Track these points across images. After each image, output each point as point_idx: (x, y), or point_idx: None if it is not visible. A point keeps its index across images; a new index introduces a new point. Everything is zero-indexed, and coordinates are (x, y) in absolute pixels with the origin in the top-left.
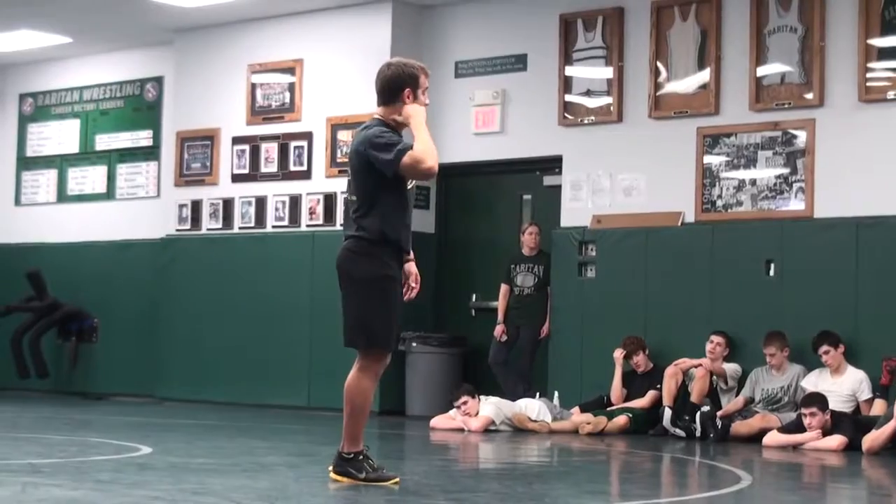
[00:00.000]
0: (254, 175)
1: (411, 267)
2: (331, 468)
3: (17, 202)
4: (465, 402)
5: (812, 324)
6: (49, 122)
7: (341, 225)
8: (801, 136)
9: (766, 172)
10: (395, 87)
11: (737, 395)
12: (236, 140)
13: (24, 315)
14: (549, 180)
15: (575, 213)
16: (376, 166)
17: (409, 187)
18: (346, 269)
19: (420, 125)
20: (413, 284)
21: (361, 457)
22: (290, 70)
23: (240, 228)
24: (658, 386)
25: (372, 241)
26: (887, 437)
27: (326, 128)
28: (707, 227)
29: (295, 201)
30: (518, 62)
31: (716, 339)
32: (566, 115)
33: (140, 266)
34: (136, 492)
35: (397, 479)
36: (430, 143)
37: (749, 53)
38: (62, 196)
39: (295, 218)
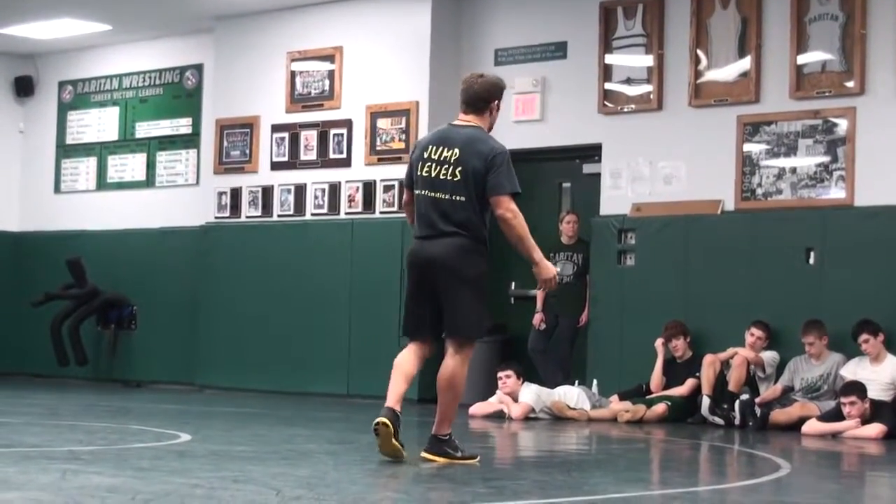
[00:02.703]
0: (293, 163)
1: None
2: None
3: (57, 190)
4: (508, 376)
5: (852, 312)
6: (89, 110)
7: (407, 217)
8: (842, 125)
9: (806, 161)
10: (489, 97)
11: (774, 382)
12: (276, 128)
13: (64, 303)
14: (588, 168)
15: (614, 201)
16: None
17: None
18: (457, 264)
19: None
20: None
21: (452, 437)
22: (329, 58)
23: (279, 216)
24: (697, 374)
25: (479, 241)
26: None
27: (366, 116)
28: (747, 215)
29: (334, 189)
30: (558, 50)
31: (756, 332)
32: (606, 103)
33: (179, 254)
34: (175, 479)
35: (479, 458)
36: (524, 229)
37: (790, 41)
38: (102, 184)
39: (334, 206)
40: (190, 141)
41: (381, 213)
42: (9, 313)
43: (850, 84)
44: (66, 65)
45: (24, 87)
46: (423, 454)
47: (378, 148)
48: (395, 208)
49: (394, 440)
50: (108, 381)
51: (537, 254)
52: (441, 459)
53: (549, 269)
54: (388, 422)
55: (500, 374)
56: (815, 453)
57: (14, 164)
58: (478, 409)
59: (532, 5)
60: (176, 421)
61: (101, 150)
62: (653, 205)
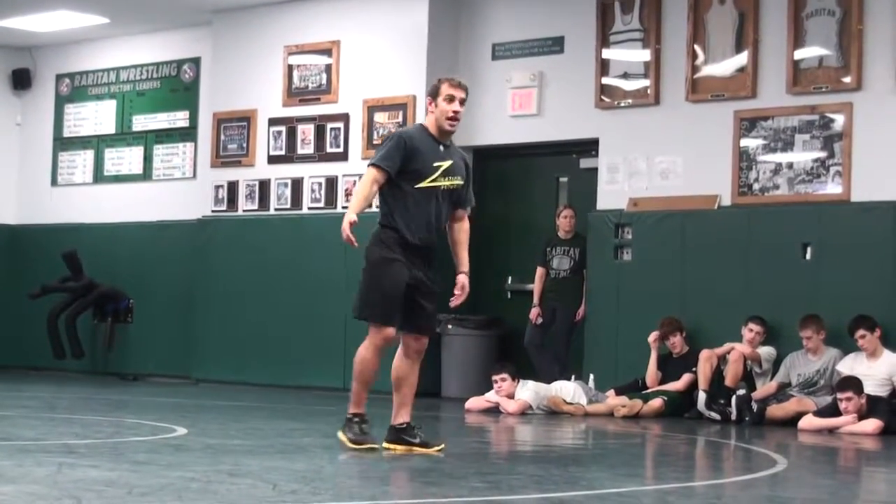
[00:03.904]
0: (290, 157)
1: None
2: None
3: (54, 182)
4: (503, 379)
5: (848, 307)
6: (86, 103)
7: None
8: (839, 120)
9: (803, 156)
10: (428, 97)
11: (772, 377)
12: (273, 121)
13: (61, 295)
14: (585, 163)
15: (611, 195)
16: None
17: (424, 185)
18: (366, 248)
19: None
20: (457, 292)
21: (357, 419)
22: (326, 51)
23: (276, 210)
24: (693, 369)
25: (385, 227)
26: None
27: (363, 109)
28: (744, 210)
29: (331, 183)
30: (555, 44)
31: (754, 327)
32: (603, 97)
33: (176, 247)
34: (171, 473)
35: (443, 446)
36: (359, 187)
37: (787, 36)
38: (99, 177)
39: (331, 199)
40: (187, 134)
41: (377, 207)
42: (5, 306)
43: (847, 79)
44: (63, 58)
45: (21, 80)
46: (384, 444)
47: (375, 142)
48: None
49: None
50: (104, 374)
51: (351, 209)
52: (399, 447)
53: (345, 220)
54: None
55: (494, 378)
56: (811, 449)
57: (11, 157)
58: (473, 403)
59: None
60: (172, 414)
61: (98, 144)
62: (650, 199)
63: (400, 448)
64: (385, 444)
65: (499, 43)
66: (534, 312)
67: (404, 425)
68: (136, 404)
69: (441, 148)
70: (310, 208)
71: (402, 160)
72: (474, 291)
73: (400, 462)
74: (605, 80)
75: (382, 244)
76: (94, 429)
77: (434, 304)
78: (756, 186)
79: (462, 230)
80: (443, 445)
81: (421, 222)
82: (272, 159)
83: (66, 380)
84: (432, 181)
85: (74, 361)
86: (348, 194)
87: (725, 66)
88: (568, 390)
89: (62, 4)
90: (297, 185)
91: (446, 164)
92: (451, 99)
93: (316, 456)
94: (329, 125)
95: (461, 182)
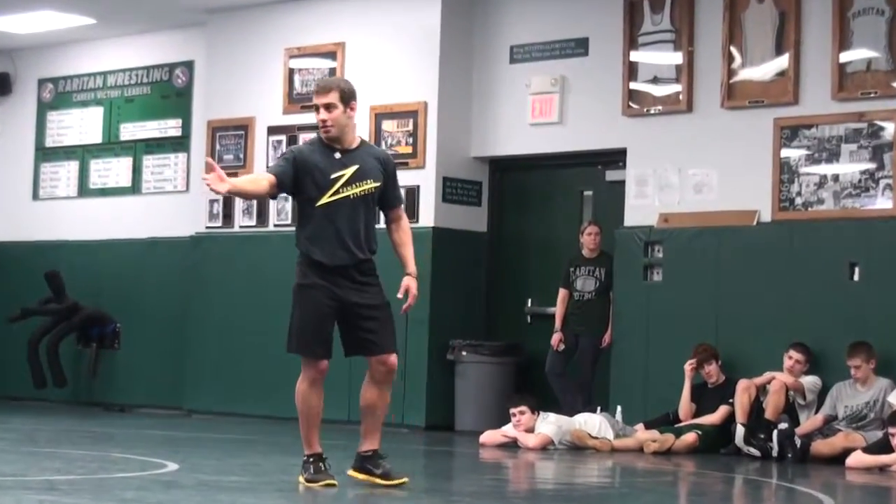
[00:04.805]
0: None
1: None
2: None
3: (35, 196)
4: (521, 412)
5: None
6: (70, 110)
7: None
8: (889, 129)
9: (849, 167)
10: None
11: (816, 409)
12: (272, 130)
13: (42, 319)
14: (611, 175)
15: (640, 211)
16: None
17: (326, 200)
18: None
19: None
20: (400, 296)
21: (312, 459)
22: (330, 54)
23: (275, 226)
24: (730, 400)
25: (301, 253)
26: None
27: (370, 117)
28: (785, 226)
29: None
30: (579, 46)
31: (795, 354)
32: (631, 104)
33: (167, 266)
34: None
35: (405, 479)
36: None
37: (832, 38)
38: (84, 190)
39: None
40: (179, 144)
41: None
42: None
43: None
44: (45, 61)
45: (0, 86)
46: (349, 471)
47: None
48: None
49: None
50: (88, 404)
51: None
52: (360, 476)
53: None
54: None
55: (512, 410)
56: (860, 488)
57: None
58: (489, 437)
59: None
60: (162, 448)
61: (83, 154)
62: (682, 215)
63: (361, 476)
64: (350, 471)
65: (517, 45)
66: (555, 338)
67: (370, 453)
68: (123, 437)
69: (337, 156)
70: None
71: (294, 172)
72: (491, 315)
73: (412, 500)
74: (632, 86)
75: (300, 271)
76: (78, 464)
77: (384, 320)
78: (798, 201)
79: (401, 229)
80: (405, 479)
81: (334, 242)
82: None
83: (48, 410)
84: (334, 194)
85: (56, 390)
86: None
87: (764, 69)
88: (593, 423)
89: (44, 4)
90: None
91: (348, 171)
92: (316, 109)
93: (318, 495)
94: None
95: (376, 184)
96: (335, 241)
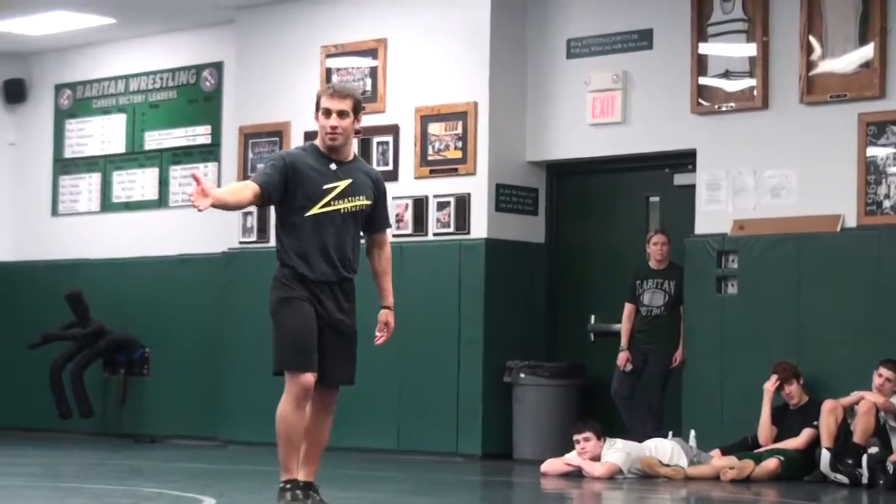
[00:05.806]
0: None
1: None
2: None
3: (55, 212)
4: (586, 439)
5: None
6: (90, 118)
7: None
8: None
9: None
10: None
11: None
12: (308, 136)
13: (65, 344)
14: (680, 179)
15: (712, 217)
16: None
17: (316, 211)
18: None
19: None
20: (378, 332)
21: (289, 486)
22: (371, 52)
23: None
24: (814, 423)
25: (283, 265)
26: None
27: (415, 120)
28: (872, 232)
29: None
30: (642, 39)
31: (885, 372)
32: (700, 101)
33: (198, 285)
34: None
35: None
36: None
37: None
38: (106, 204)
39: None
40: (209, 153)
41: (435, 234)
42: (1, 357)
43: None
44: (62, 65)
45: (14, 92)
46: None
47: (430, 158)
48: (450, 229)
49: None
50: (116, 435)
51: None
52: None
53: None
54: None
55: (576, 437)
56: None
57: (4, 183)
58: (551, 466)
59: None
60: (196, 482)
61: (105, 165)
62: (758, 222)
63: None
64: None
65: (575, 38)
66: (622, 358)
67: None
68: (154, 470)
69: (332, 167)
70: None
71: (284, 180)
72: (550, 334)
73: None
74: (702, 81)
75: (281, 284)
76: (107, 499)
77: (351, 349)
78: (886, 204)
79: (383, 256)
80: None
81: (319, 256)
82: None
83: (73, 443)
84: (325, 206)
85: (82, 421)
86: (399, 220)
87: (847, 60)
88: (665, 450)
89: (60, 4)
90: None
91: (342, 184)
92: (327, 113)
93: None
94: (375, 138)
95: (367, 202)
96: (323, 255)
